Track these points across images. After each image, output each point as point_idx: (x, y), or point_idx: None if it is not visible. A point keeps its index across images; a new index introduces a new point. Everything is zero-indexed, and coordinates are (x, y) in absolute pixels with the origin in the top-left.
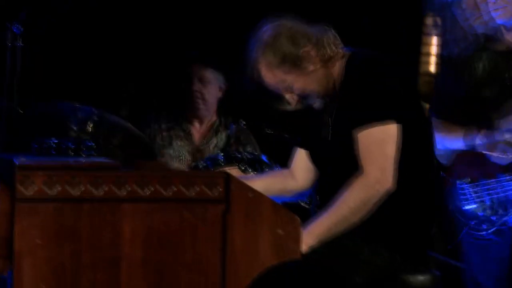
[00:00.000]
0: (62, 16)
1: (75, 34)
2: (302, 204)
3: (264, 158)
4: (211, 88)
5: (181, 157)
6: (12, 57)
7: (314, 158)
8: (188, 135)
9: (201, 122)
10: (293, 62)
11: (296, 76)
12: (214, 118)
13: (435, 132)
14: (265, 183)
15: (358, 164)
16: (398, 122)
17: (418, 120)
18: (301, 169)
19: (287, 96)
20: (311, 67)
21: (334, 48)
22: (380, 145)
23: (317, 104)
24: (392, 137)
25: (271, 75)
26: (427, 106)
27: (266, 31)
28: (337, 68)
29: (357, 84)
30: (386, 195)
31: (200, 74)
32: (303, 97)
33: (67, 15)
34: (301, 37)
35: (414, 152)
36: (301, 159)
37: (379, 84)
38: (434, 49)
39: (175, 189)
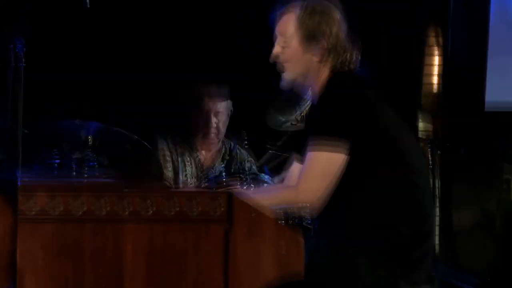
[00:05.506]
0: (67, 31)
1: (83, 49)
2: (305, 224)
3: (266, 178)
4: (224, 119)
5: (189, 184)
6: (15, 77)
7: None
8: (198, 163)
9: (209, 149)
10: (310, 35)
11: (297, 45)
12: (221, 144)
13: None
14: None
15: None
16: (347, 153)
17: (387, 145)
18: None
19: (273, 56)
20: (313, 53)
21: (343, 63)
22: (321, 174)
23: (284, 85)
24: (335, 170)
25: (287, 26)
26: (431, 126)
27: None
28: (323, 75)
29: (326, 103)
30: None
31: (216, 108)
32: (280, 67)
33: (72, 29)
34: (335, 30)
35: (397, 172)
36: (297, 171)
37: (342, 109)
38: (436, 68)
39: (177, 209)
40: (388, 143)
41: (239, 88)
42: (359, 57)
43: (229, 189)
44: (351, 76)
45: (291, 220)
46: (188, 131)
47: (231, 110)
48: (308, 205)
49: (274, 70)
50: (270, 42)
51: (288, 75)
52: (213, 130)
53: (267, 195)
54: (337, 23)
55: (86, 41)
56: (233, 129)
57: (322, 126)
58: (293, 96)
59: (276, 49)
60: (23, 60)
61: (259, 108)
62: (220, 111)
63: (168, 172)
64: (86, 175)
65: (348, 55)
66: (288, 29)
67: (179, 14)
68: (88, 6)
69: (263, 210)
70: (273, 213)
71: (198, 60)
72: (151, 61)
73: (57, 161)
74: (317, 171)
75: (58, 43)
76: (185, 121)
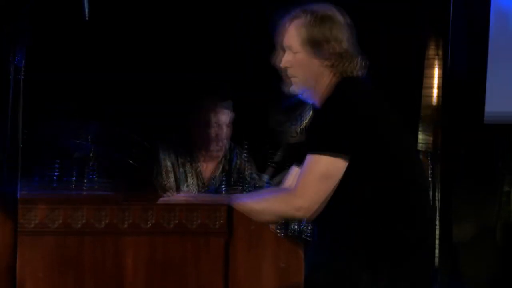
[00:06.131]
0: (67, 31)
1: (84, 60)
2: (304, 237)
3: (266, 187)
4: (226, 131)
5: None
6: (15, 89)
7: None
8: (199, 173)
9: (210, 161)
10: (319, 41)
11: (306, 52)
12: (222, 155)
13: None
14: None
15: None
16: (348, 159)
17: (392, 156)
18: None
19: (280, 64)
20: (321, 58)
21: (351, 69)
22: (320, 178)
23: (290, 90)
24: (335, 174)
25: (295, 33)
26: (430, 138)
27: (327, 5)
28: (331, 80)
29: (331, 108)
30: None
31: (219, 121)
32: (286, 77)
33: (71, 29)
34: (342, 35)
35: (396, 184)
36: (295, 175)
37: (346, 116)
38: (436, 81)
39: (176, 221)
40: (389, 153)
41: (239, 88)
42: (367, 63)
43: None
44: (358, 82)
45: (291, 232)
46: (190, 142)
47: (232, 119)
48: (304, 209)
49: (274, 70)
50: (270, 42)
51: (296, 82)
52: (218, 143)
53: (262, 200)
54: (345, 28)
55: (86, 41)
56: (233, 134)
57: (324, 131)
58: (293, 108)
59: (284, 57)
60: (22, 72)
61: (259, 111)
62: (223, 124)
63: (170, 183)
64: (85, 188)
65: (356, 60)
66: (296, 36)
67: (179, 14)
68: (87, 18)
69: (257, 216)
70: (267, 219)
71: (198, 60)
72: (151, 61)
73: (57, 173)
74: (316, 175)
75: (58, 43)
76: (185, 122)
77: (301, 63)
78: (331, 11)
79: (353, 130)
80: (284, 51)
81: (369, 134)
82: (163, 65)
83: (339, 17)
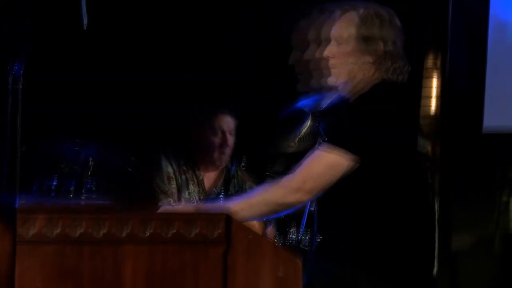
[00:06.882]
0: (66, 31)
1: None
2: (302, 246)
3: None
4: (230, 137)
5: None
6: (13, 99)
7: None
8: (200, 182)
9: (212, 170)
10: (370, 38)
11: (351, 46)
12: (224, 166)
13: None
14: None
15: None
16: (354, 161)
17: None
18: None
19: (323, 56)
20: (368, 55)
21: (393, 71)
22: (322, 172)
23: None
24: (338, 172)
25: (346, 27)
26: (429, 147)
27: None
28: (372, 78)
29: (358, 108)
30: None
31: (221, 125)
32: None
33: (71, 29)
34: (390, 36)
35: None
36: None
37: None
38: (435, 91)
39: (175, 231)
40: (390, 153)
41: (239, 88)
42: (409, 69)
43: None
44: (394, 87)
45: (289, 241)
46: (192, 149)
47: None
48: (301, 202)
49: (274, 70)
50: (270, 42)
51: (335, 74)
52: (221, 151)
53: (260, 192)
54: (394, 30)
55: (85, 41)
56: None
57: (344, 127)
58: (292, 117)
59: (328, 47)
60: (21, 82)
61: (258, 120)
62: (227, 132)
63: (172, 189)
64: (83, 197)
65: (399, 64)
66: (346, 28)
67: (179, 14)
68: (85, 28)
69: (254, 208)
70: (264, 210)
71: (198, 60)
72: (151, 61)
73: (55, 183)
74: (320, 169)
75: (57, 43)
76: (185, 124)
77: (346, 55)
78: (384, 10)
79: (369, 134)
80: (326, 42)
81: (379, 137)
82: (163, 65)
83: (391, 17)
